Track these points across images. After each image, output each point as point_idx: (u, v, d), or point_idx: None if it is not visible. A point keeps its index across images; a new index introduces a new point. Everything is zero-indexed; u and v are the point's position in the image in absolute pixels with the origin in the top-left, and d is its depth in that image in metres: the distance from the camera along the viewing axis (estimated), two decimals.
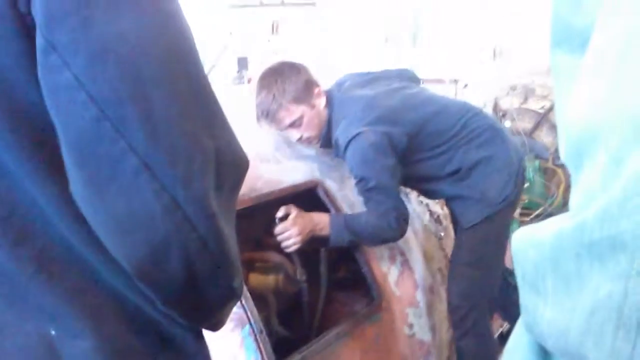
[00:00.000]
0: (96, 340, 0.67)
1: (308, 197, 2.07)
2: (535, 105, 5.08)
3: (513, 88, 5.26)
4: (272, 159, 2.05)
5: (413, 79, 2.39)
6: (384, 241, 2.02)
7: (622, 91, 0.39)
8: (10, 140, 0.62)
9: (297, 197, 1.99)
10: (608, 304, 0.39)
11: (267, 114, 2.03)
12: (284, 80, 2.02)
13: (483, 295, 2.13)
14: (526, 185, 4.30)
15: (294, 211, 1.89)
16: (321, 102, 2.10)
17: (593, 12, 0.46)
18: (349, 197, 2.15)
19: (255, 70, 7.98)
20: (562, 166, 4.75)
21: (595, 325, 0.41)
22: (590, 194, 0.42)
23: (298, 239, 1.86)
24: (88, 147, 0.60)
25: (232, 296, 0.75)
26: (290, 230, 1.86)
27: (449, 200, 2.23)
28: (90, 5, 0.59)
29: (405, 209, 2.00)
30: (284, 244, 1.88)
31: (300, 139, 2.12)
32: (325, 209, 2.05)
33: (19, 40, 0.60)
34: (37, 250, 0.66)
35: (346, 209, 2.09)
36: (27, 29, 0.59)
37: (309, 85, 2.07)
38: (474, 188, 2.10)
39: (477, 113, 2.18)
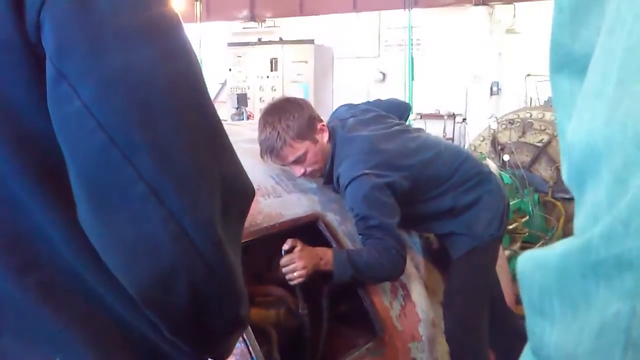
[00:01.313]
0: None
1: (309, 231, 2.06)
2: (533, 139, 5.12)
3: (511, 122, 5.31)
4: (273, 193, 2.06)
5: (407, 111, 2.68)
6: (385, 278, 2.05)
7: (624, 110, 0.40)
8: (18, 168, 0.62)
9: (298, 231, 1.99)
10: (616, 324, 0.39)
11: (272, 151, 2.07)
12: (288, 117, 2.06)
13: (476, 322, 2.19)
14: (526, 218, 4.32)
15: (299, 245, 1.88)
16: (324, 137, 2.16)
17: (592, 39, 0.46)
18: (350, 231, 2.15)
19: (255, 107, 8.06)
20: (562, 199, 4.76)
21: (603, 346, 0.40)
22: (594, 214, 0.42)
23: (303, 272, 1.85)
24: (96, 174, 0.60)
25: (239, 324, 0.75)
26: (296, 264, 1.85)
27: (440, 236, 2.40)
28: (100, 36, 0.60)
29: (404, 246, 2.04)
30: (288, 277, 1.87)
31: (304, 174, 2.15)
32: (326, 243, 2.04)
33: (29, 70, 0.61)
34: (44, 278, 0.66)
35: (348, 243, 2.09)
36: (36, 59, 0.60)
37: (312, 120, 2.12)
38: (463, 224, 2.25)
39: (467, 157, 2.35)
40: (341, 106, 2.53)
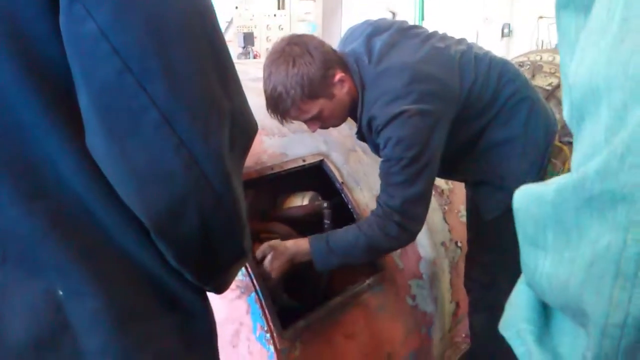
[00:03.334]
0: (104, 300, 0.67)
1: (314, 172, 2.09)
2: (542, 82, 5.05)
3: (520, 65, 5.23)
4: (277, 132, 2.07)
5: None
6: (380, 253, 1.87)
7: (627, 48, 0.40)
8: (29, 95, 0.62)
9: (302, 172, 2.01)
10: (607, 255, 0.40)
11: (279, 112, 1.72)
12: (298, 71, 1.65)
13: (503, 279, 1.81)
14: None
15: (269, 253, 1.72)
16: (343, 88, 1.74)
17: None
18: (354, 172, 2.17)
19: (261, 46, 7.94)
20: (568, 143, 4.73)
21: (594, 276, 0.42)
22: (591, 151, 0.42)
23: (272, 281, 1.72)
24: (110, 100, 0.60)
25: (242, 256, 0.77)
26: (269, 275, 1.72)
27: (471, 188, 2.09)
28: None
29: (415, 217, 1.74)
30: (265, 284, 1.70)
31: (320, 128, 1.84)
32: (331, 184, 2.07)
33: None
34: (51, 207, 0.65)
35: (352, 184, 2.11)
36: None
37: (327, 71, 1.69)
38: (492, 172, 1.91)
39: (512, 79, 1.90)
40: (354, 28, 1.96)
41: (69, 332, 0.66)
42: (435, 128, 1.70)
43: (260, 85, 2.24)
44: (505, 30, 8.18)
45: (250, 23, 8.95)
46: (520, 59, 5.43)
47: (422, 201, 1.74)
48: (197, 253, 0.71)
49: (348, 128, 2.27)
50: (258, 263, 1.72)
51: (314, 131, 1.85)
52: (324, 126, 1.85)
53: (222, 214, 0.68)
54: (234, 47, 7.44)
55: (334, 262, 1.74)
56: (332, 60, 1.73)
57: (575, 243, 0.44)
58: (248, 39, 7.47)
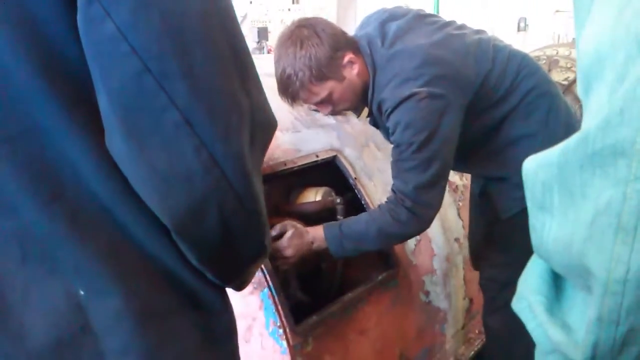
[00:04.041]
0: (126, 299, 0.67)
1: (327, 167, 2.08)
2: (558, 76, 5.00)
3: (537, 59, 5.18)
4: (291, 128, 2.07)
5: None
6: (394, 241, 1.82)
7: (631, 11, 0.40)
8: (47, 97, 0.62)
9: (316, 167, 2.01)
10: (608, 210, 0.41)
11: (289, 95, 1.72)
12: (306, 52, 1.64)
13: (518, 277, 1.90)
14: None
15: (290, 229, 1.73)
16: (353, 69, 1.72)
17: None
18: (367, 167, 2.16)
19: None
20: None
21: (596, 232, 0.42)
22: (596, 112, 0.43)
23: (290, 260, 1.73)
24: (129, 100, 0.60)
25: (263, 253, 0.77)
26: (284, 252, 1.71)
27: (486, 185, 2.02)
28: None
29: (430, 204, 1.71)
30: (277, 263, 1.73)
31: (332, 112, 1.83)
32: (344, 179, 2.07)
33: None
34: (70, 208, 0.65)
35: (365, 180, 2.11)
36: None
37: (335, 53, 1.67)
38: (512, 167, 1.79)
39: (532, 73, 1.84)
40: (370, 15, 1.94)
41: (91, 332, 0.66)
42: (446, 112, 1.65)
43: (274, 80, 2.25)
44: (522, 24, 8.11)
45: (265, 18, 8.97)
46: (536, 54, 5.38)
47: (435, 187, 1.70)
48: (218, 253, 0.71)
49: (361, 124, 2.26)
50: (275, 240, 1.71)
51: (325, 115, 1.84)
52: (335, 110, 1.81)
53: (243, 213, 0.68)
54: (248, 42, 7.44)
55: (347, 248, 1.72)
56: (342, 42, 1.71)
57: (580, 202, 0.44)
58: (262, 33, 7.47)
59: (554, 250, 0.48)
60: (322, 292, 1.96)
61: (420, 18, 1.85)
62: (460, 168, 2.10)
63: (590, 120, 0.43)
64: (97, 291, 0.66)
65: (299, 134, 2.08)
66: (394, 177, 1.72)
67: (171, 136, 0.60)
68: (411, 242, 2.12)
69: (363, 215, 1.76)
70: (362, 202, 2.05)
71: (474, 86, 1.74)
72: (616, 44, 0.40)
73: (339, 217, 1.98)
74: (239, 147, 0.64)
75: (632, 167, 0.39)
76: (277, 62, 1.70)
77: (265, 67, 2.50)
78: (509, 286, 1.96)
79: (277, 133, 1.98)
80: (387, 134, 1.80)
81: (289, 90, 1.69)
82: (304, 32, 1.67)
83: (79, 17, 0.58)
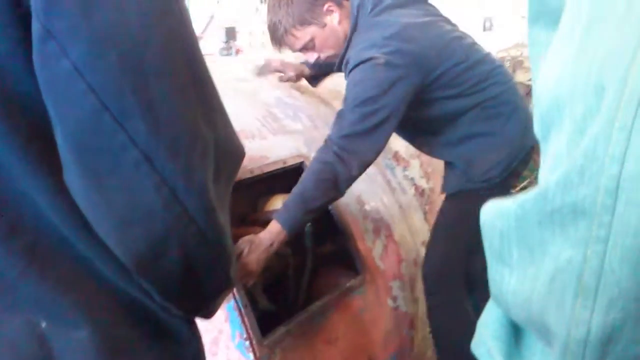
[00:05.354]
0: (91, 330, 0.66)
1: (295, 174, 2.07)
2: (523, 77, 5.08)
3: (501, 60, 5.26)
4: (258, 135, 2.05)
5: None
6: (331, 182, 1.76)
7: (589, 58, 0.40)
8: (3, 131, 0.60)
9: (283, 174, 2.00)
10: (568, 269, 0.40)
11: (277, 41, 1.98)
12: (288, 1, 1.91)
13: (457, 266, 2.05)
14: None
15: (245, 247, 1.69)
16: (333, 18, 1.95)
17: None
18: None
19: (244, 41, 7.89)
20: None
21: (556, 291, 0.41)
22: (555, 162, 0.42)
23: (256, 274, 1.69)
24: (87, 139, 0.58)
25: (228, 285, 0.75)
26: (247, 268, 1.67)
27: (446, 164, 2.18)
28: None
29: (356, 155, 1.76)
30: (243, 281, 1.68)
31: (318, 60, 2.05)
32: None
33: (15, 27, 0.57)
34: (29, 243, 0.64)
35: None
36: (21, 14, 0.56)
37: (316, 2, 1.92)
38: (464, 158, 2.03)
39: (501, 82, 1.99)
40: None
41: None
42: (397, 83, 1.77)
43: (244, 85, 2.23)
44: (487, 24, 8.21)
45: (232, 18, 8.88)
46: (501, 54, 5.46)
47: (365, 140, 1.77)
48: (181, 288, 0.69)
49: (328, 129, 2.25)
50: (237, 259, 1.68)
51: (311, 61, 2.06)
52: (322, 57, 2.00)
53: (206, 248, 0.66)
54: (215, 43, 7.37)
55: (299, 215, 1.72)
56: None
57: (539, 258, 0.44)
58: (230, 34, 7.38)
59: (513, 303, 0.48)
60: (289, 301, 1.95)
61: (419, 3, 2.03)
62: (422, 149, 2.26)
63: (548, 173, 0.42)
64: (60, 323, 0.65)
65: (265, 140, 2.07)
66: (331, 127, 1.83)
67: (131, 175, 0.59)
68: (378, 247, 2.13)
69: (299, 183, 1.78)
70: (330, 207, 2.04)
71: (434, 72, 1.86)
72: (575, 94, 0.40)
73: (307, 224, 1.97)
74: (202, 182, 0.63)
75: (593, 228, 0.38)
76: (267, 14, 1.97)
77: (233, 72, 2.48)
78: (449, 277, 2.04)
79: (244, 140, 1.96)
80: None
81: (276, 36, 1.95)
82: None
83: (34, 53, 0.57)
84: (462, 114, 1.98)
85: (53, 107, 0.58)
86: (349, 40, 1.93)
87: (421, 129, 2.09)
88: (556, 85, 0.42)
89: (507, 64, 5.21)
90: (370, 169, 2.40)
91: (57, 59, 0.55)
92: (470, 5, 8.15)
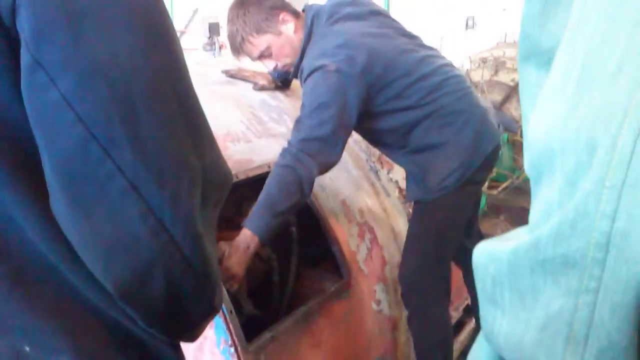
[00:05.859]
0: (75, 356, 0.65)
1: None
2: (505, 77, 5.14)
3: (484, 60, 5.30)
4: (243, 138, 2.05)
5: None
6: (295, 184, 1.78)
7: (580, 113, 0.40)
8: None
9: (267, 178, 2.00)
10: (559, 318, 0.41)
11: (235, 49, 2.06)
12: (245, 11, 2.00)
13: (429, 276, 2.07)
14: None
15: (225, 249, 1.72)
16: (289, 27, 2.03)
17: (559, 33, 0.47)
18: (319, 177, 2.16)
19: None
20: None
21: (547, 338, 0.43)
22: (546, 212, 0.43)
23: (239, 278, 1.72)
24: (74, 168, 0.58)
25: (212, 312, 0.75)
26: (230, 272, 1.71)
27: (406, 173, 2.23)
28: (81, 22, 0.56)
29: (323, 151, 1.84)
30: (226, 286, 1.70)
31: (276, 68, 2.12)
32: None
33: (3, 55, 0.57)
34: (13, 268, 0.64)
35: (317, 189, 2.11)
36: (10, 43, 0.57)
37: (272, 12, 2.01)
38: (419, 167, 2.07)
39: (452, 92, 2.03)
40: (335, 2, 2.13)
41: None
42: (348, 90, 1.85)
43: (225, 88, 2.22)
44: (470, 23, 8.26)
45: (216, 13, 8.82)
46: (484, 55, 5.51)
47: (322, 144, 1.84)
48: (165, 315, 0.69)
49: None
50: (219, 263, 1.66)
51: (270, 70, 2.15)
52: (279, 66, 2.08)
53: (191, 276, 0.66)
54: (199, 38, 7.31)
55: (268, 219, 1.74)
56: (278, 3, 2.04)
57: (530, 304, 0.45)
58: (214, 29, 7.33)
59: (504, 345, 0.49)
60: (273, 306, 1.96)
61: (375, 14, 2.09)
62: (387, 157, 2.33)
63: (540, 219, 0.43)
64: (44, 348, 0.65)
65: (250, 144, 2.06)
66: (290, 133, 1.89)
67: (117, 204, 0.59)
68: (363, 251, 2.14)
69: (264, 189, 1.81)
70: (315, 211, 2.05)
71: (379, 82, 1.93)
72: (566, 147, 0.41)
73: (292, 228, 1.98)
74: (189, 210, 0.63)
75: (584, 279, 0.39)
76: (227, 24, 2.05)
77: (215, 75, 2.47)
78: (424, 282, 2.05)
79: (229, 144, 1.98)
80: None
81: (234, 44, 2.04)
82: None
83: (22, 82, 0.57)
84: (415, 125, 2.03)
85: (41, 135, 0.58)
86: (303, 49, 2.01)
87: (379, 141, 2.17)
88: (547, 135, 0.43)
89: (489, 64, 5.25)
90: (355, 172, 2.43)
91: (46, 89, 0.56)
92: (452, 4, 8.19)
